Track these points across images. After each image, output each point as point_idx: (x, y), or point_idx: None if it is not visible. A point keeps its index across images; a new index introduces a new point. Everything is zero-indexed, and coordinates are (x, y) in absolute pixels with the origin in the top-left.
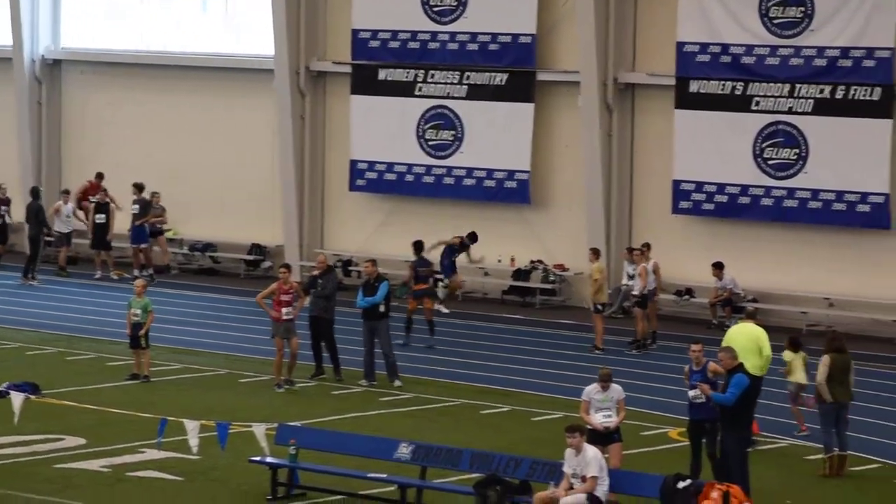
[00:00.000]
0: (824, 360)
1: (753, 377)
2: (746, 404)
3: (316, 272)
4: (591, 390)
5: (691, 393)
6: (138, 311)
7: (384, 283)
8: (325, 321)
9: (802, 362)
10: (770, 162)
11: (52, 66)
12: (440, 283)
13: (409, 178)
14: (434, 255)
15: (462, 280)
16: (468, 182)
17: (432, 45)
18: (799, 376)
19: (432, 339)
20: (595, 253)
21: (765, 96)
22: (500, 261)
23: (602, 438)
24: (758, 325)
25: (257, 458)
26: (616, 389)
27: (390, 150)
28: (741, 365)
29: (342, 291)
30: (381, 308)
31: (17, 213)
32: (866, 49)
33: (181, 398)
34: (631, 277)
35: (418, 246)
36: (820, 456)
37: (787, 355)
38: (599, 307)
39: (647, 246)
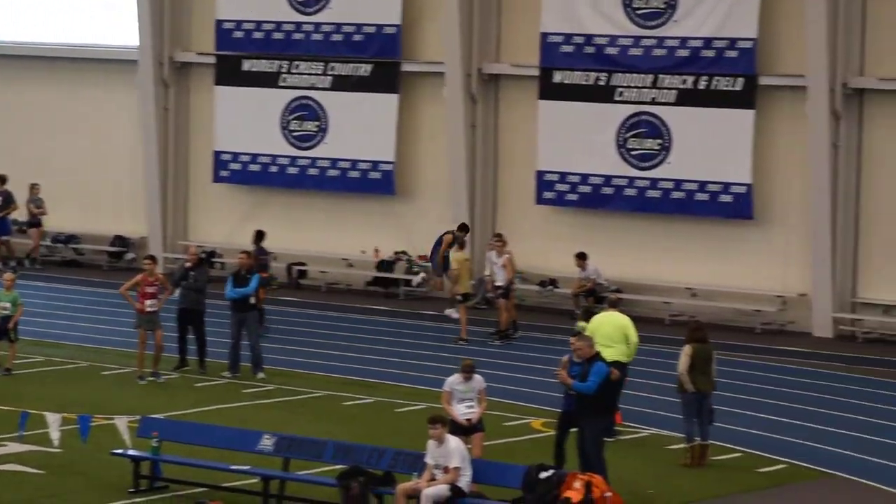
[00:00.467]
0: (686, 350)
1: (621, 364)
2: (609, 392)
3: (188, 264)
4: (454, 381)
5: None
6: (7, 305)
7: (256, 275)
8: (197, 313)
9: None
10: (633, 152)
11: None
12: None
13: (274, 169)
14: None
15: (454, 273)
16: (332, 173)
17: (297, 36)
18: None
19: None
20: (459, 244)
21: (628, 87)
22: (363, 252)
23: (464, 428)
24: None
25: (119, 451)
26: (478, 380)
27: (254, 142)
28: (599, 353)
29: (207, 283)
30: (252, 300)
31: None
32: (729, 40)
33: (43, 391)
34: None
35: (259, 235)
36: (682, 445)
37: (581, 325)
38: (459, 298)
39: (499, 236)
